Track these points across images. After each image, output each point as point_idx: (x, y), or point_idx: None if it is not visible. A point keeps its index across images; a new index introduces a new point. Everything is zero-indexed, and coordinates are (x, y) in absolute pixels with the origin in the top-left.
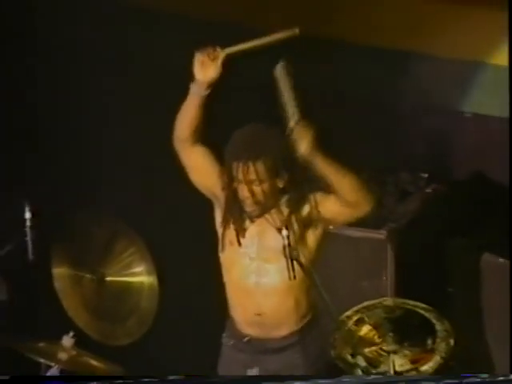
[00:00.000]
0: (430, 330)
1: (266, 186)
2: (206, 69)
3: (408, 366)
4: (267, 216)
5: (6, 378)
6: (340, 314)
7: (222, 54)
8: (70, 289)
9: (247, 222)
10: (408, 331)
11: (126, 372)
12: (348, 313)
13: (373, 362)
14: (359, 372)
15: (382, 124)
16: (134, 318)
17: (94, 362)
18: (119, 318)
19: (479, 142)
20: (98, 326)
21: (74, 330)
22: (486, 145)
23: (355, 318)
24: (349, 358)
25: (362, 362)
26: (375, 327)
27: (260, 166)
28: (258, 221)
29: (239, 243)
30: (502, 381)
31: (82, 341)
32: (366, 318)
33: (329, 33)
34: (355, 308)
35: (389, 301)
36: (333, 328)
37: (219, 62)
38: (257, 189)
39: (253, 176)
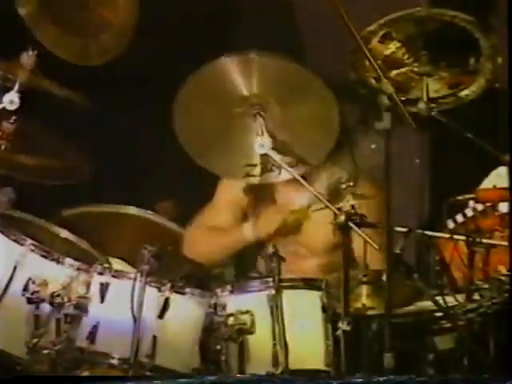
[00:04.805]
0: (473, 47)
1: None
2: None
3: (445, 91)
4: None
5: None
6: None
7: None
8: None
9: None
10: (445, 49)
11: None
12: (372, 27)
13: (402, 87)
14: (385, 100)
15: None
16: (108, 33)
17: (53, 88)
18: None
19: None
20: (68, 41)
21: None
22: None
23: (381, 34)
24: (372, 82)
25: (388, 87)
26: (405, 44)
27: None
28: None
29: None
30: None
31: (48, 62)
32: (394, 33)
33: None
34: (381, 21)
35: (422, 11)
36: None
37: None
38: None
39: None
